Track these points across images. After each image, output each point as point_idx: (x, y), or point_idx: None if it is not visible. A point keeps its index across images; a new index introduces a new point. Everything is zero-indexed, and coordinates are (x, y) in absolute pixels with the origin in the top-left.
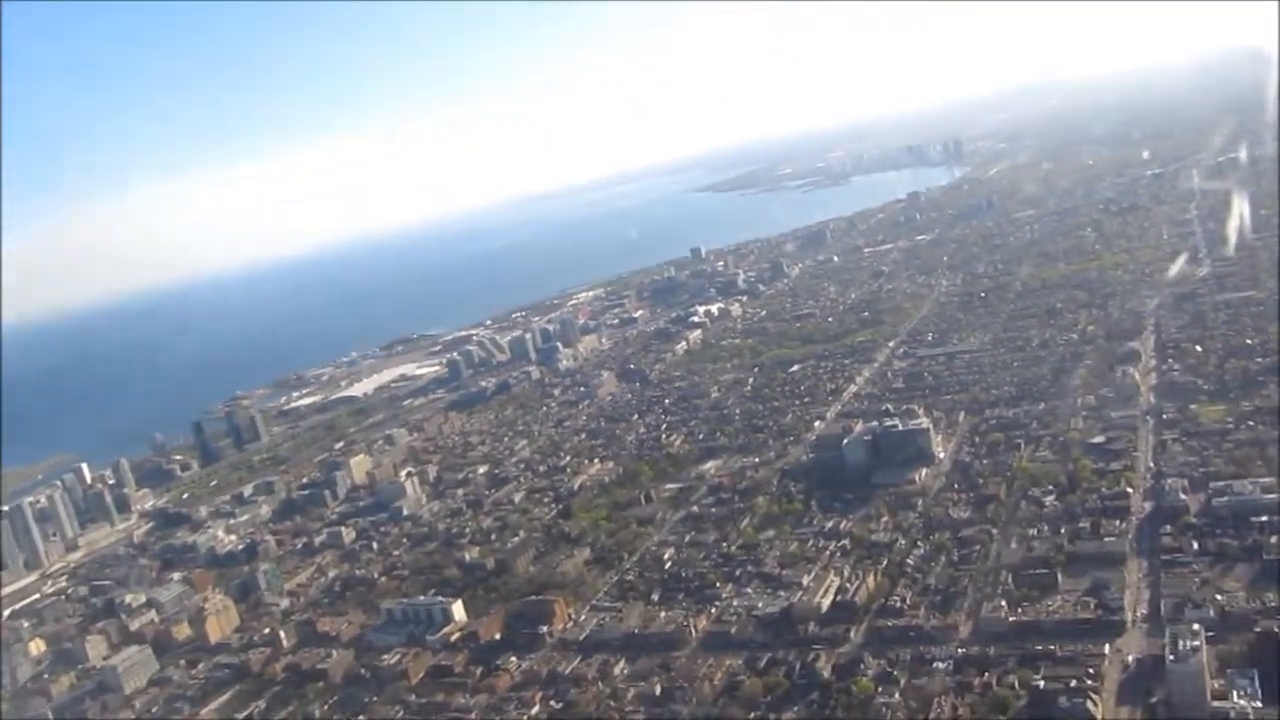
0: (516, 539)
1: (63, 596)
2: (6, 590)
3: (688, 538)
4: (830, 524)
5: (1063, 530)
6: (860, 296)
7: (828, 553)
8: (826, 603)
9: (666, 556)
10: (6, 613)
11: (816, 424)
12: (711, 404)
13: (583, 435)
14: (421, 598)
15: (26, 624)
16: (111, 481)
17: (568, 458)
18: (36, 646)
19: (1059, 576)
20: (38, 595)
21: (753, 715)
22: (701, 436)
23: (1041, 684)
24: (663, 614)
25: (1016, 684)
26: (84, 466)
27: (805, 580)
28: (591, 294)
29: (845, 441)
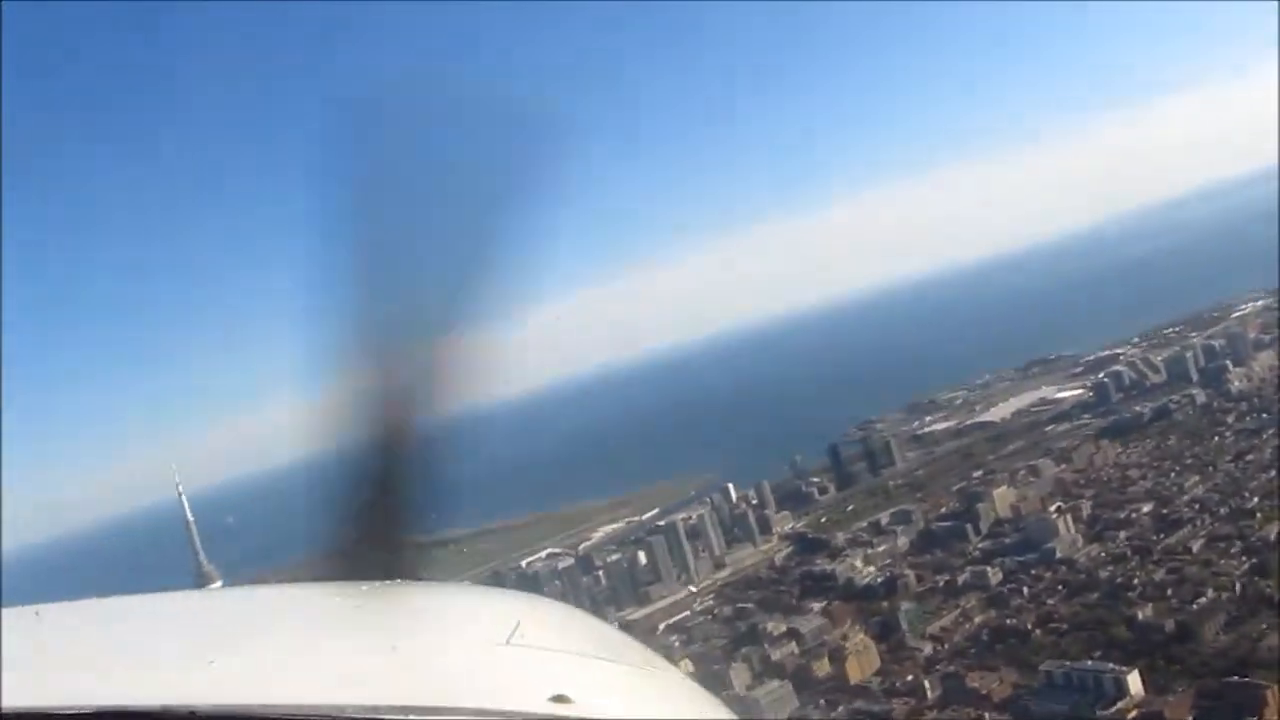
0: (1203, 598)
1: (709, 616)
2: (661, 604)
3: None
4: None
5: None
6: None
7: None
8: None
9: None
10: (661, 626)
11: None
12: None
13: (1272, 472)
14: (1089, 662)
15: (676, 640)
16: (754, 502)
17: (1255, 499)
18: (684, 666)
19: None
20: (688, 612)
21: None
22: None
23: None
24: None
25: None
26: (730, 486)
27: None
28: (1260, 304)
29: None
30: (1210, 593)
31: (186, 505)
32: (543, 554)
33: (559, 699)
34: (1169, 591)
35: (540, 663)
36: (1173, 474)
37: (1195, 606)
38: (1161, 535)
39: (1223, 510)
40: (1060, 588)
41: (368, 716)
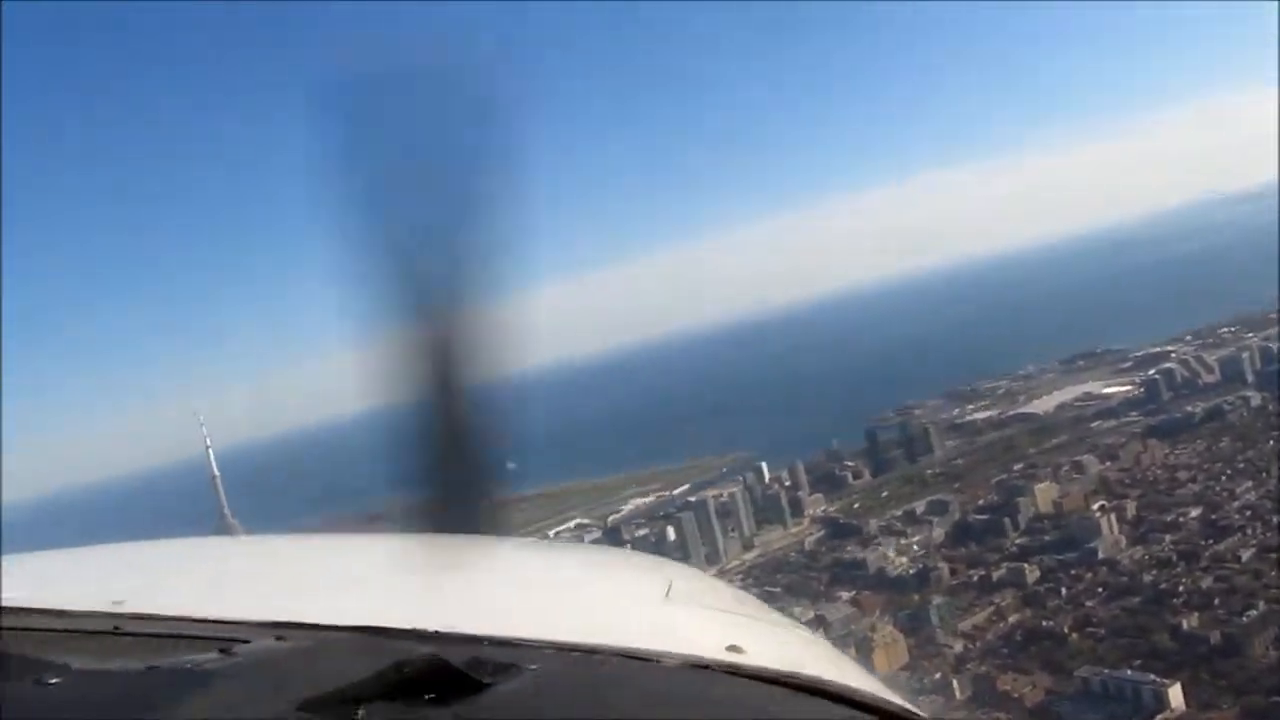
0: (1253, 611)
1: None
2: None
3: None
4: None
5: None
6: None
7: None
8: None
9: None
10: None
11: None
12: None
13: None
14: (1128, 671)
15: None
16: (787, 484)
17: None
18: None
19: None
20: None
21: None
22: None
23: None
24: None
25: None
26: (764, 466)
27: None
28: None
29: None
30: (1260, 605)
31: (212, 458)
32: (571, 524)
33: (733, 649)
34: (1216, 601)
35: (702, 618)
36: (1224, 478)
37: (1244, 619)
38: (1210, 541)
39: (1275, 519)
40: (1100, 590)
41: (604, 653)
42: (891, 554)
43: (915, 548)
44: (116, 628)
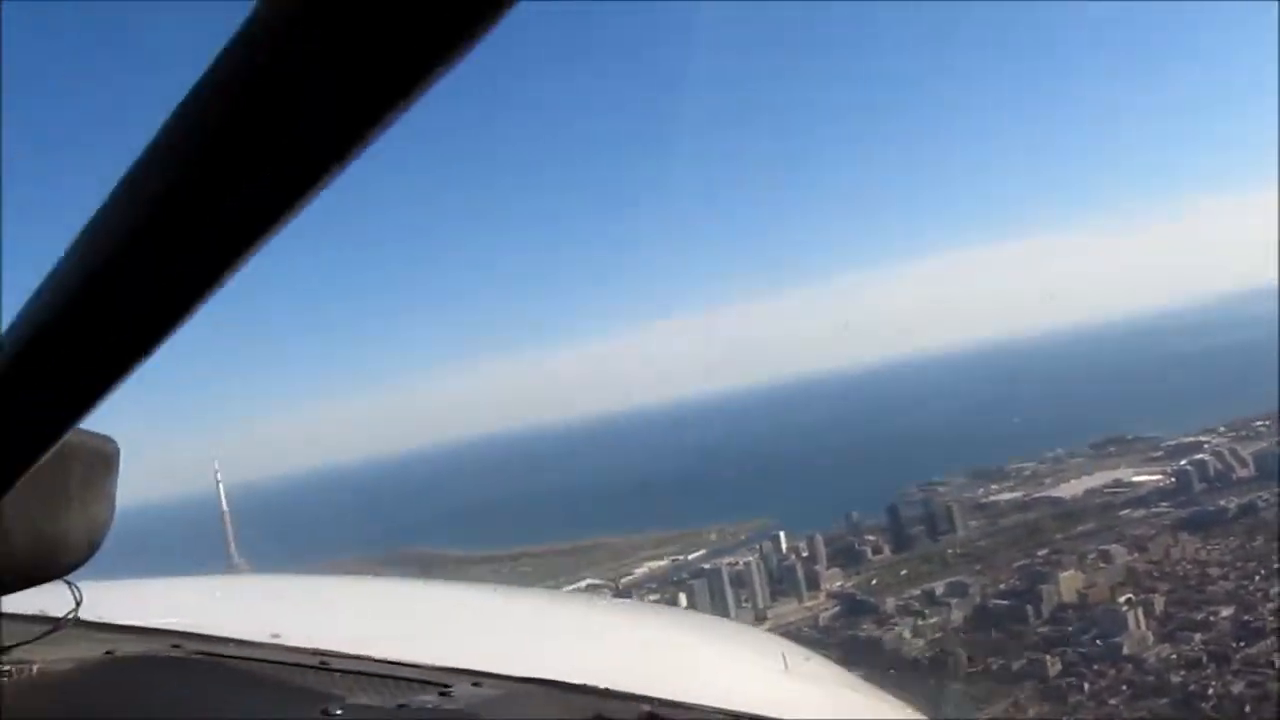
0: None
1: None
2: None
3: None
4: None
5: None
6: None
7: None
8: None
9: None
10: None
11: None
12: None
13: None
14: None
15: None
16: (805, 555)
17: None
18: None
19: None
20: None
21: None
22: None
23: None
24: None
25: None
26: (781, 535)
27: None
28: None
29: None
30: None
31: (223, 495)
32: (582, 584)
33: None
34: (1247, 708)
35: (820, 690)
36: (1257, 578)
37: None
38: (1242, 643)
39: None
40: (1125, 688)
41: None
42: (908, 635)
43: (933, 630)
44: (323, 663)
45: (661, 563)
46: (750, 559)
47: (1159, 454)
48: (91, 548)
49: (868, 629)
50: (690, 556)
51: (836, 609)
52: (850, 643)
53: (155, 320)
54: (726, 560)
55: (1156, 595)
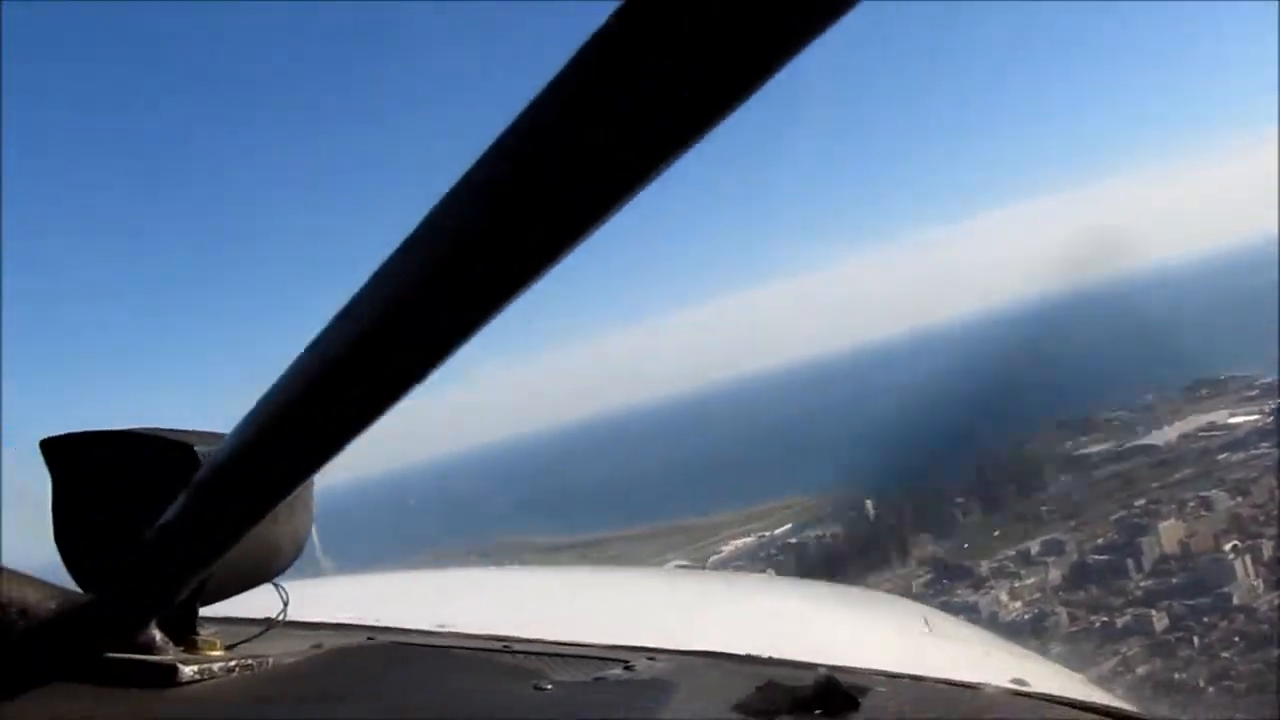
0: None
1: None
2: None
3: None
4: None
5: None
6: None
7: None
8: None
9: None
10: None
11: None
12: None
13: None
14: None
15: None
16: (893, 522)
17: None
18: None
19: None
20: None
21: None
22: None
23: None
24: None
25: None
26: (869, 503)
27: None
28: None
29: None
30: None
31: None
32: (670, 566)
33: (1018, 681)
34: None
35: (970, 651)
36: None
37: None
38: None
39: None
40: (1238, 639)
41: (929, 680)
42: (1005, 598)
43: (1031, 591)
44: (506, 646)
45: (748, 540)
46: (838, 529)
47: (1254, 393)
48: (297, 552)
49: (963, 594)
50: (777, 531)
51: (929, 575)
52: (946, 609)
53: (441, 341)
54: (815, 533)
55: (1263, 541)
